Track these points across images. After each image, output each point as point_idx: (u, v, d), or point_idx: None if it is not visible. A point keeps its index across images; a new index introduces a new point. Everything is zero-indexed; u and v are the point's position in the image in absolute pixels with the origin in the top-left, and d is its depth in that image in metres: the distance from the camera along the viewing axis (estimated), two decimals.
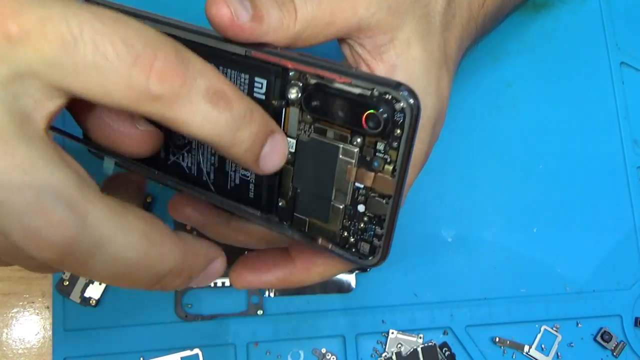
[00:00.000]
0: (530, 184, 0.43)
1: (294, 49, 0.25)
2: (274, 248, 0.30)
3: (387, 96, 0.22)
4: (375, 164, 0.23)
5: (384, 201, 0.23)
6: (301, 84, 0.23)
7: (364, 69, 0.27)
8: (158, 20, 0.25)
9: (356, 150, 0.23)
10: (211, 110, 0.20)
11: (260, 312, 0.40)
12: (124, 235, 0.19)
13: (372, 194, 0.24)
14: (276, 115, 0.24)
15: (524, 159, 0.44)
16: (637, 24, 0.46)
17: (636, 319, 0.42)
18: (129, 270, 0.20)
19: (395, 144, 0.22)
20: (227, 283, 0.40)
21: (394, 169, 0.23)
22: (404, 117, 0.22)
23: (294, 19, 0.25)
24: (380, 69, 0.27)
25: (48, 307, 0.40)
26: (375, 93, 0.22)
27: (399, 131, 0.22)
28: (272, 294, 0.41)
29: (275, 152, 0.23)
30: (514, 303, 0.42)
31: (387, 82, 0.22)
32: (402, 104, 0.22)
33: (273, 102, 0.24)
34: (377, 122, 0.22)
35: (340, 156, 0.23)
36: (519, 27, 0.45)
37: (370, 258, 0.25)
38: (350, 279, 0.41)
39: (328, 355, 0.40)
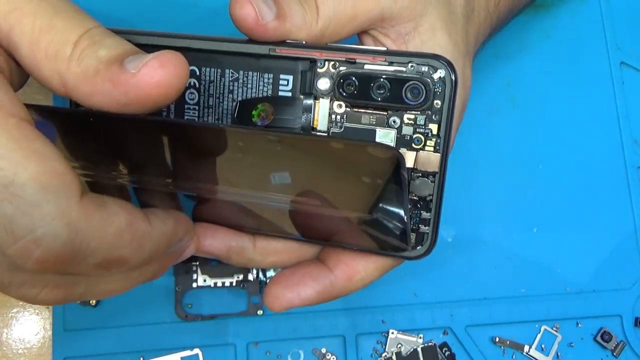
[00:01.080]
0: (530, 184, 0.43)
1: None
2: (306, 262, 0.28)
3: (424, 68, 0.22)
4: (416, 141, 0.23)
5: (429, 179, 0.23)
6: (331, 73, 0.23)
7: None
8: (174, 36, 0.25)
9: (394, 131, 0.23)
10: (105, 273, 0.20)
11: (260, 312, 0.40)
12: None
13: (416, 174, 0.23)
14: (305, 110, 0.24)
15: (524, 159, 0.44)
16: (637, 24, 0.46)
17: (636, 319, 0.42)
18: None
19: (436, 117, 0.23)
20: (227, 283, 0.40)
21: (436, 143, 0.23)
22: (444, 86, 0.22)
23: (316, 16, 0.24)
24: None
25: (48, 307, 0.40)
26: (412, 66, 0.22)
27: (439, 102, 0.22)
28: None
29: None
30: (514, 303, 0.42)
31: (424, 54, 0.23)
32: (440, 74, 0.22)
33: (300, 97, 0.24)
34: (417, 93, 0.22)
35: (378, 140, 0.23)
36: (518, 26, 0.45)
37: (418, 248, 0.24)
38: None
39: (328, 355, 0.40)
